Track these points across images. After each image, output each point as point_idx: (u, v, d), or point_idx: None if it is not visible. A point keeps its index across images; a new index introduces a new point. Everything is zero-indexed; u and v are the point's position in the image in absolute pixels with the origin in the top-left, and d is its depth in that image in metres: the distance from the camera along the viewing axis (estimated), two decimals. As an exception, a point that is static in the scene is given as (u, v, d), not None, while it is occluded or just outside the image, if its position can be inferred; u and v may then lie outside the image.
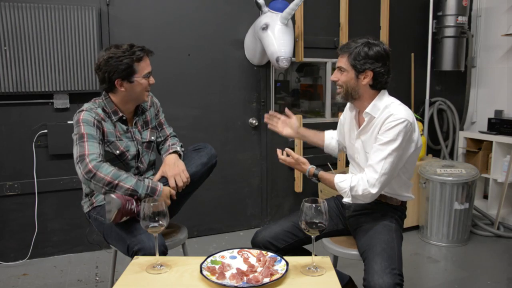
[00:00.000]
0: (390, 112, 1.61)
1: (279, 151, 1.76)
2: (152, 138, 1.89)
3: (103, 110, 1.73)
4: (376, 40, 1.67)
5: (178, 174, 1.73)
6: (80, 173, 1.58)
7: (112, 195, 1.52)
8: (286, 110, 1.98)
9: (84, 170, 1.57)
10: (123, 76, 1.66)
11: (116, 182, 1.57)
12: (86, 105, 1.72)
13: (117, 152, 1.73)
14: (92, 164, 1.56)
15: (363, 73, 1.63)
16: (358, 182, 1.61)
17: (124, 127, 1.78)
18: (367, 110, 1.66)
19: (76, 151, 1.61)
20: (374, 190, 1.59)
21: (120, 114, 1.75)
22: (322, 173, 1.70)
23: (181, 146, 1.93)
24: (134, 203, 1.59)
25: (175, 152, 1.85)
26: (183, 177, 1.73)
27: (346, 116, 1.88)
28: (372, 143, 1.66)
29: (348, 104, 1.83)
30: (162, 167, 1.78)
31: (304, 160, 1.72)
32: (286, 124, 1.98)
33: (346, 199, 1.65)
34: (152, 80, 1.75)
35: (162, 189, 1.66)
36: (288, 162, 1.74)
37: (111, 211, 1.51)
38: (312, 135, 2.03)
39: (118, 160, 1.75)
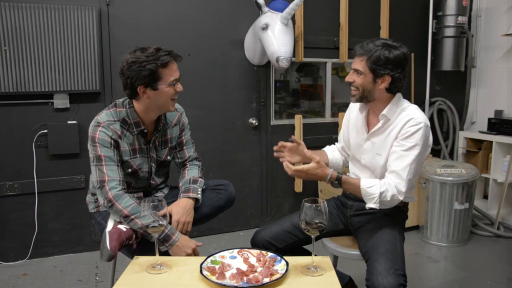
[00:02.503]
0: (409, 116, 1.59)
1: (286, 163, 1.58)
2: (168, 158, 1.80)
3: (124, 121, 1.64)
4: (395, 42, 1.62)
5: (183, 223, 1.66)
6: (101, 200, 1.58)
7: (107, 242, 1.46)
8: (293, 137, 1.75)
9: (105, 199, 1.55)
10: (146, 82, 1.54)
11: (132, 217, 1.53)
12: (104, 117, 1.62)
13: (129, 170, 1.68)
14: (113, 194, 1.54)
15: (381, 77, 1.59)
16: (387, 188, 1.57)
17: (143, 141, 1.70)
18: (384, 112, 1.64)
19: (95, 175, 1.58)
20: (401, 196, 1.58)
21: (142, 127, 1.66)
22: (346, 177, 1.60)
23: (203, 185, 1.79)
24: (134, 237, 1.55)
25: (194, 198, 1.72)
26: (185, 227, 1.67)
27: (353, 116, 1.83)
28: (388, 145, 1.64)
29: (358, 105, 1.78)
30: (173, 206, 1.68)
31: (320, 160, 1.56)
32: (293, 151, 1.75)
33: (373, 205, 1.58)
34: (179, 87, 1.62)
35: (178, 239, 1.55)
36: (305, 170, 1.55)
37: (103, 256, 1.47)
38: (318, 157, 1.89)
39: (129, 177, 1.70)
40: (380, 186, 1.56)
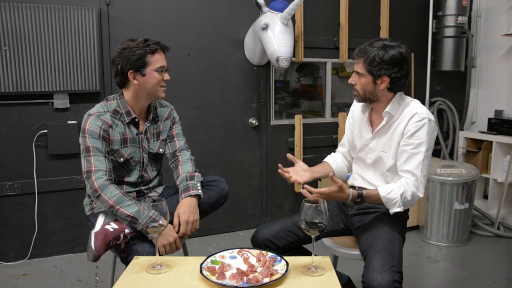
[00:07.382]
0: (413, 111, 1.62)
1: (305, 192, 1.50)
2: (161, 150, 1.84)
3: (115, 111, 1.69)
4: (393, 41, 1.64)
5: (191, 222, 1.66)
6: (88, 189, 1.61)
7: (92, 243, 1.46)
8: (288, 155, 1.79)
9: (90, 188, 1.58)
10: (135, 67, 1.64)
11: (117, 207, 1.56)
12: (95, 108, 1.69)
13: (121, 160, 1.71)
14: (98, 184, 1.57)
15: (379, 78, 1.62)
16: (405, 188, 1.59)
17: (135, 131, 1.74)
18: (387, 109, 1.66)
19: (83, 165, 1.62)
20: (421, 193, 1.62)
21: (133, 116, 1.71)
22: (366, 192, 1.59)
23: (200, 179, 1.80)
24: (122, 237, 1.55)
25: (195, 195, 1.73)
26: (194, 226, 1.68)
27: (356, 117, 1.84)
28: (394, 142, 1.66)
29: (360, 106, 1.80)
30: (178, 208, 1.69)
31: (342, 183, 1.54)
32: (297, 171, 1.76)
33: (397, 209, 1.58)
34: (167, 76, 1.71)
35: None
36: (327, 193, 1.52)
37: (88, 256, 1.48)
38: (320, 169, 1.87)
39: (122, 167, 1.73)
40: (398, 188, 1.59)
